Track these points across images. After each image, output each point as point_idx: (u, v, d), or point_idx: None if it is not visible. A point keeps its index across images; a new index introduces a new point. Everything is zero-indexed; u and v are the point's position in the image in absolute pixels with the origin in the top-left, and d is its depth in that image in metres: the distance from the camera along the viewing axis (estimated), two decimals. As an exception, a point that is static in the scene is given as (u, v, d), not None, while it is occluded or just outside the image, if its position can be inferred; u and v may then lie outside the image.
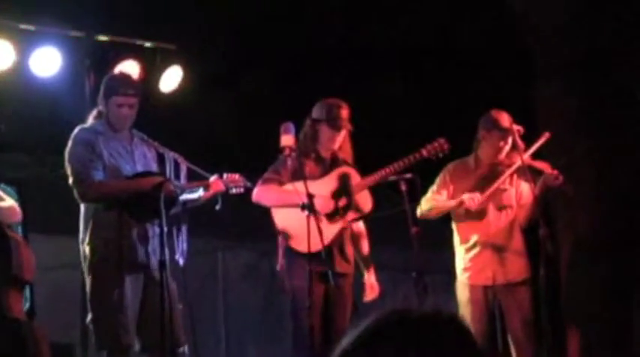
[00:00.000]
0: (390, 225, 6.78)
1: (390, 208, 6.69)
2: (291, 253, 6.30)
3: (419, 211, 6.68)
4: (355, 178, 6.49)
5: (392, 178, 6.42)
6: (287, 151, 6.03)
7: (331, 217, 6.37)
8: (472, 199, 6.52)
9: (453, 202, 6.64)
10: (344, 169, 6.50)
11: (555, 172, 6.52)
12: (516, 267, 6.72)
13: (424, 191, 6.72)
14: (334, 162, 6.55)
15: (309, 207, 5.89)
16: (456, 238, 6.91)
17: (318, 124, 6.45)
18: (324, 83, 7.31)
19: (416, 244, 6.25)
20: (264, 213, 6.49)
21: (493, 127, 6.63)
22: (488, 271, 6.69)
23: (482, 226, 6.74)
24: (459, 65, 8.19)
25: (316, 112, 6.51)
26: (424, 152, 6.48)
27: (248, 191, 6.43)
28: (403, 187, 6.33)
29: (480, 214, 6.72)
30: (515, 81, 7.59)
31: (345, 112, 6.41)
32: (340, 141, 6.50)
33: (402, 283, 8.57)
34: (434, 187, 6.77)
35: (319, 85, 7.21)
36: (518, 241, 6.78)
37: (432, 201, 6.70)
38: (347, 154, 6.56)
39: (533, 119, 7.29)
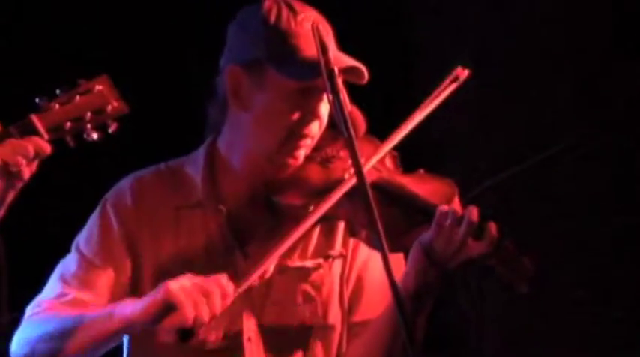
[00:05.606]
0: None
1: None
2: None
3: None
4: None
5: None
6: None
7: None
8: (212, 286, 2.36)
9: (133, 307, 2.42)
10: None
11: (471, 211, 2.43)
12: None
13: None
14: None
15: None
16: None
17: None
18: None
19: None
20: None
21: (279, 63, 2.53)
22: None
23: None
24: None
25: None
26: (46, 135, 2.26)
27: None
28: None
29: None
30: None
31: None
32: None
33: None
34: (60, 274, 2.60)
35: None
36: None
37: (47, 318, 2.53)
38: None
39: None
